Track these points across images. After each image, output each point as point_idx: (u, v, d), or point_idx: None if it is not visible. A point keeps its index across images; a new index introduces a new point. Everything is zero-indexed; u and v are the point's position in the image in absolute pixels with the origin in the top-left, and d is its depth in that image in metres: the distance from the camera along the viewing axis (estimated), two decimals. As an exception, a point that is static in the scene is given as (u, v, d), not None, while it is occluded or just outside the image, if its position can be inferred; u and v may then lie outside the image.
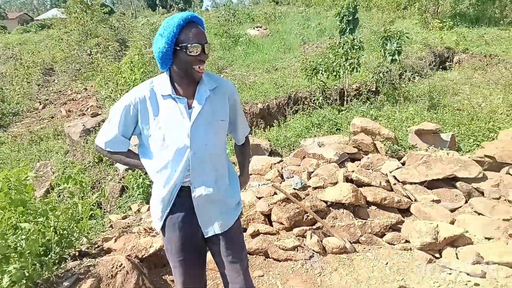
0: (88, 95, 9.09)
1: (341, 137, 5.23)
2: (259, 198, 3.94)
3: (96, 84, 7.97)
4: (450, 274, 3.10)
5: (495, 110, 5.61)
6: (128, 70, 6.43)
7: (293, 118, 6.53)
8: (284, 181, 4.27)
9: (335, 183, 4.03)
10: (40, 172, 6.00)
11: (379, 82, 6.78)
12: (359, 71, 6.55)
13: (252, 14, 14.61)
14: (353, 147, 4.86)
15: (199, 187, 1.77)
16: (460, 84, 6.91)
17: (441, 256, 3.35)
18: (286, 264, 3.34)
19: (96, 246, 3.37)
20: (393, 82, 6.84)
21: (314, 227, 3.69)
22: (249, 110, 6.97)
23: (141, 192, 4.21)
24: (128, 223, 3.94)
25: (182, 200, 1.80)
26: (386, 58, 6.61)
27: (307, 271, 3.25)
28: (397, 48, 6.38)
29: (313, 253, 3.45)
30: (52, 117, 8.57)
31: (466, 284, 2.99)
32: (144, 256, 3.08)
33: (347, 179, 4.14)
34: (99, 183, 5.03)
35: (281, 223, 3.67)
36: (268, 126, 6.62)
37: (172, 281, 3.00)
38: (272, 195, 3.90)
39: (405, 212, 3.94)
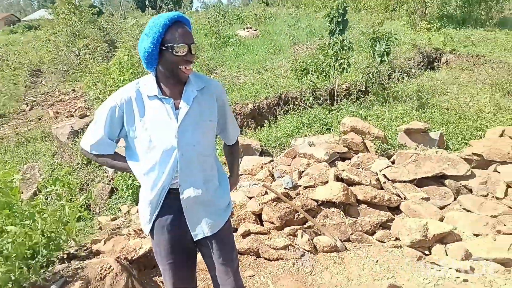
0: (76, 96, 8.97)
1: (332, 137, 5.25)
2: (250, 198, 3.93)
3: (84, 85, 7.88)
4: (439, 270, 3.13)
5: (482, 109, 5.69)
6: (117, 71, 6.37)
7: (283, 118, 6.53)
8: (275, 180, 4.27)
9: (326, 182, 4.04)
10: (27, 174, 5.90)
11: (369, 82, 6.83)
12: (349, 72, 6.59)
13: (242, 15, 14.60)
14: (343, 146, 4.88)
15: (187, 189, 1.74)
16: (448, 84, 7.00)
17: (430, 253, 3.38)
18: (277, 264, 3.33)
19: (85, 248, 3.32)
20: (383, 82, 6.90)
21: (305, 226, 3.69)
22: (240, 110, 6.96)
23: (131, 193, 4.16)
24: (117, 224, 3.89)
25: (171, 202, 1.77)
26: (375, 59, 6.66)
27: (298, 270, 3.24)
28: (386, 49, 6.43)
29: (304, 252, 3.45)
30: (40, 119, 8.44)
31: (455, 280, 3.02)
32: (133, 258, 3.04)
33: (338, 178, 4.15)
34: (88, 185, 4.97)
35: (272, 223, 3.66)
36: (258, 127, 6.62)
37: (162, 282, 2.97)
38: (263, 195, 3.89)
39: (395, 210, 3.97)
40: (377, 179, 4.18)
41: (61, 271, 2.71)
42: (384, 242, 3.61)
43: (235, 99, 7.07)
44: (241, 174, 4.61)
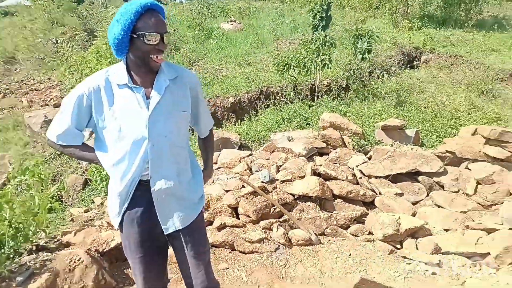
0: (52, 85, 8.71)
1: (311, 132, 5.27)
2: (227, 191, 3.91)
3: (60, 74, 7.65)
4: (409, 264, 3.20)
5: (458, 108, 5.83)
6: (94, 60, 6.21)
7: (264, 113, 6.52)
8: (253, 174, 4.27)
9: (303, 177, 4.06)
10: (-1, 164, 5.71)
11: (349, 79, 6.89)
12: (330, 68, 6.62)
13: (226, 8, 14.45)
14: (322, 141, 4.91)
15: (159, 181, 1.70)
16: (426, 82, 7.13)
17: (402, 247, 3.45)
18: (251, 257, 3.34)
19: (55, 240, 3.24)
20: (363, 79, 6.97)
21: (281, 219, 3.70)
22: (220, 103, 6.91)
23: (105, 185, 4.06)
24: (90, 216, 3.81)
25: (141, 194, 1.72)
26: (357, 56, 6.72)
27: (272, 263, 3.26)
28: (368, 47, 6.50)
29: (279, 245, 3.47)
30: (12, 108, 8.16)
31: (424, 274, 3.10)
32: (105, 250, 2.99)
33: (315, 173, 4.18)
34: (61, 176, 4.85)
35: (248, 216, 3.66)
36: (239, 120, 6.59)
37: (134, 274, 2.94)
38: (240, 188, 3.88)
39: (370, 205, 4.04)
40: (354, 175, 4.23)
41: (28, 263, 2.64)
42: (358, 236, 3.66)
43: (216, 92, 7.01)
44: (219, 168, 4.58)
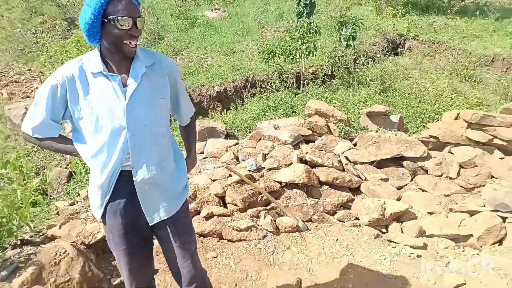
0: (33, 77, 8.47)
1: (297, 120, 5.28)
2: (214, 180, 3.91)
3: (40, 65, 7.44)
4: (395, 247, 3.27)
5: (441, 94, 5.90)
6: (75, 50, 6.05)
7: (250, 101, 6.49)
8: (239, 163, 4.26)
9: (290, 165, 4.07)
10: (-21, 158, 5.57)
11: (335, 66, 6.89)
12: (316, 55, 6.59)
13: (210, -4, 14.24)
14: (308, 129, 4.92)
15: (141, 171, 1.66)
16: (410, 69, 7.18)
17: (387, 231, 3.52)
18: (239, 245, 3.36)
19: (41, 234, 3.20)
20: (348, 66, 6.98)
21: (268, 207, 3.73)
22: (206, 93, 6.84)
23: (90, 177, 4.01)
24: (76, 209, 3.76)
25: (123, 185, 1.69)
26: (341, 42, 6.72)
27: (260, 251, 3.28)
28: (352, 34, 6.49)
29: (266, 233, 3.49)
30: (-8, 100, 7.93)
31: (409, 256, 3.16)
32: (91, 242, 2.97)
33: (301, 160, 4.20)
34: (44, 169, 4.76)
35: (236, 205, 3.67)
36: (225, 109, 6.55)
37: (122, 266, 2.92)
38: (227, 177, 3.88)
39: (356, 190, 4.09)
40: (339, 161, 4.26)
41: (12, 257, 2.60)
42: (344, 222, 3.71)
43: (201, 81, 6.93)
44: (206, 157, 4.56)
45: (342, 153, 4.39)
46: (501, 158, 4.09)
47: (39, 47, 9.48)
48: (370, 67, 7.22)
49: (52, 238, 3.02)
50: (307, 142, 4.84)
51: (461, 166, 4.15)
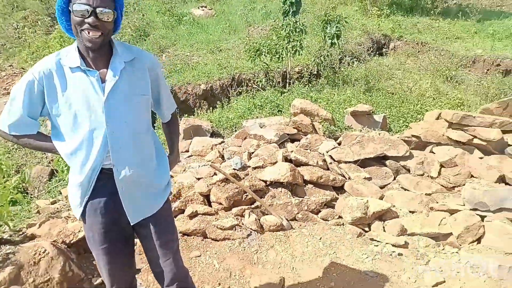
0: (14, 73, 8.28)
1: (282, 119, 5.30)
2: (199, 179, 3.90)
3: (21, 60, 7.27)
4: (377, 246, 3.31)
5: (424, 94, 6.00)
6: (58, 45, 5.93)
7: (236, 100, 6.48)
8: (224, 161, 4.25)
9: (275, 163, 4.09)
10: (-43, 156, 5.41)
11: (320, 65, 6.93)
12: (301, 54, 6.63)
13: (197, -7, 14.14)
14: (293, 128, 4.95)
15: (122, 169, 1.64)
16: (394, 69, 7.28)
17: (370, 230, 3.56)
18: (224, 244, 3.35)
19: (20, 233, 3.13)
20: (334, 66, 7.03)
21: (253, 206, 3.73)
22: (192, 91, 6.81)
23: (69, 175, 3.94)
24: (57, 208, 3.69)
25: (104, 183, 1.66)
26: (326, 41, 6.76)
27: (244, 249, 3.29)
28: (336, 32, 6.54)
29: (251, 232, 3.50)
30: (-28, 97, 7.73)
31: (391, 254, 3.21)
32: (72, 241, 2.92)
33: (286, 159, 4.22)
34: (25, 167, 4.66)
35: (220, 203, 3.67)
36: (211, 108, 6.53)
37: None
38: (212, 176, 3.87)
39: (340, 189, 4.13)
40: (324, 160, 4.30)
41: (-11, 257, 2.54)
42: (328, 220, 3.75)
43: (187, 79, 6.89)
44: (191, 156, 4.54)
45: (327, 152, 4.43)
46: (481, 158, 4.19)
47: (21, 42, 9.27)
48: (355, 67, 7.28)
49: (32, 237, 2.95)
50: (293, 141, 4.86)
51: (442, 166, 4.23)
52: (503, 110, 4.51)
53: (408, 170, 4.37)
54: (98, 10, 1.48)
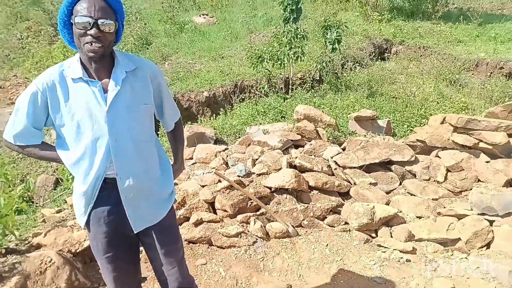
0: (19, 83, 8.34)
1: (286, 125, 5.29)
2: (203, 186, 3.88)
3: (25, 70, 7.32)
4: (384, 252, 3.28)
5: (427, 98, 5.98)
6: (61, 55, 5.97)
7: (239, 106, 6.49)
8: (229, 168, 4.24)
9: (279, 170, 4.07)
10: (-38, 166, 5.43)
11: (323, 71, 6.94)
12: (303, 60, 6.64)
13: (198, 1, 14.23)
14: (297, 134, 4.93)
15: (126, 178, 1.64)
16: (397, 73, 7.27)
17: (377, 236, 3.53)
18: (229, 251, 3.33)
19: (26, 242, 3.12)
20: (336, 71, 7.04)
21: (258, 213, 3.71)
22: (195, 98, 6.82)
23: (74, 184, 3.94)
24: (63, 217, 3.69)
25: (108, 192, 1.67)
26: (327, 47, 6.78)
27: (250, 257, 3.26)
28: (337, 37, 6.56)
29: (256, 239, 3.47)
30: (-24, 107, 7.78)
31: (398, 261, 3.17)
32: (77, 251, 2.91)
33: (291, 165, 4.20)
34: (30, 176, 4.67)
35: (225, 211, 3.65)
36: (214, 115, 6.53)
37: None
38: (216, 183, 3.86)
39: (345, 195, 4.10)
40: (329, 166, 4.28)
41: (-4, 267, 2.53)
42: (334, 227, 3.72)
43: (190, 86, 6.90)
44: (195, 163, 4.53)
45: (331, 158, 4.41)
46: (487, 162, 4.16)
47: (24, 52, 9.35)
48: (358, 72, 7.29)
49: (38, 246, 2.95)
50: (296, 147, 4.85)
51: (448, 170, 4.20)
52: (508, 114, 4.49)
53: (414, 175, 4.34)
54: (99, 21, 1.50)
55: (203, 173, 4.17)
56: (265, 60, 6.54)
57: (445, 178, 4.14)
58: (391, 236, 3.46)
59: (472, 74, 7.05)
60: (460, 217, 3.44)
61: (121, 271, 1.82)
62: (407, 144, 4.56)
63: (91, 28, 1.49)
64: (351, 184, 4.14)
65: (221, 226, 3.52)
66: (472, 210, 3.45)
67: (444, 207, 3.69)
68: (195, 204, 3.69)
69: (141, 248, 2.03)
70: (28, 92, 1.58)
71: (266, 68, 6.76)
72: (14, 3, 11.85)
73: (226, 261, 3.20)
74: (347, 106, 5.82)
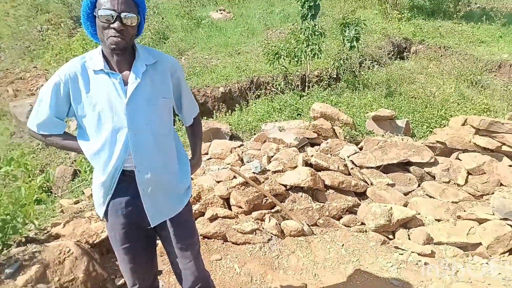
0: (38, 74, 8.48)
1: (302, 122, 5.24)
2: (218, 182, 3.88)
3: (45, 62, 7.42)
4: (402, 254, 3.22)
5: (447, 99, 5.86)
6: (80, 48, 6.03)
7: (255, 103, 6.46)
8: (244, 165, 4.23)
9: (295, 167, 4.04)
10: (-17, 155, 5.55)
11: (340, 69, 6.86)
12: (320, 58, 6.57)
13: (216, -4, 14.22)
14: (313, 132, 4.89)
15: (144, 171, 1.65)
16: (416, 73, 7.14)
17: (394, 237, 3.48)
18: (244, 248, 3.32)
19: (45, 232, 3.17)
20: (354, 70, 6.95)
21: (273, 210, 3.69)
22: (211, 93, 6.82)
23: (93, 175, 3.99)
24: (80, 208, 3.73)
25: (126, 184, 1.68)
26: (345, 44, 6.69)
27: (265, 254, 3.25)
28: (356, 35, 6.46)
29: (271, 236, 3.45)
30: (-3, 97, 7.94)
31: (416, 264, 3.12)
32: (95, 242, 2.94)
33: (307, 164, 4.16)
34: (49, 167, 4.74)
35: (240, 207, 3.64)
36: (229, 110, 6.52)
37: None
38: (231, 179, 3.85)
39: (362, 195, 4.05)
40: (345, 165, 4.23)
41: (17, 255, 2.58)
42: (350, 227, 3.67)
43: (206, 82, 6.91)
44: (210, 158, 4.53)
45: (348, 157, 4.35)
46: (510, 166, 4.05)
47: (44, 44, 9.49)
48: (376, 71, 7.18)
49: (57, 236, 2.99)
50: (312, 145, 4.80)
51: (469, 173, 4.10)
52: (533, 117, 4.36)
53: (433, 177, 4.26)
54: (122, 15, 1.52)
55: (218, 168, 4.16)
56: (282, 56, 6.49)
57: (466, 181, 4.04)
58: (409, 238, 3.40)
59: (495, 75, 6.88)
60: (481, 221, 3.36)
61: (137, 262, 1.84)
62: (426, 145, 4.47)
63: (114, 22, 1.51)
64: (368, 184, 4.08)
65: (236, 222, 3.51)
66: (493, 214, 3.36)
67: (465, 211, 3.61)
68: (210, 200, 3.69)
69: (158, 242, 2.04)
70: (51, 83, 1.60)
71: (282, 64, 6.71)
72: (35, -5, 12.04)
73: (241, 258, 3.19)
74: (364, 105, 5.74)
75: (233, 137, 5.33)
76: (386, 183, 4.08)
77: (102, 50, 1.62)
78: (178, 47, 8.68)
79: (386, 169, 4.31)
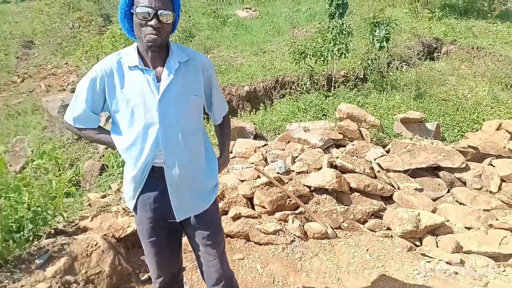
0: (69, 70, 8.76)
1: (327, 123, 5.17)
2: (242, 181, 3.87)
3: (76, 59, 7.64)
4: (429, 262, 3.13)
5: (480, 102, 5.65)
6: (110, 45, 6.18)
7: (279, 102, 6.44)
8: (268, 165, 4.21)
9: (319, 169, 3.99)
10: (17, 147, 5.78)
11: (367, 69, 6.74)
12: (347, 57, 6.48)
13: (242, -5, 14.25)
14: (339, 133, 4.81)
15: (172, 167, 1.68)
16: (447, 75, 6.93)
17: (421, 244, 3.38)
18: (266, 248, 3.31)
19: (73, 224, 3.26)
20: (381, 70, 6.81)
21: (296, 211, 3.65)
22: (236, 92, 6.84)
23: (121, 171, 4.09)
24: (107, 202, 3.82)
25: (155, 180, 1.71)
26: (374, 44, 6.55)
27: (287, 256, 3.22)
28: (386, 35, 6.32)
29: (294, 238, 3.42)
30: (31, 92, 8.24)
31: (445, 273, 3.02)
32: (121, 236, 3.00)
33: (331, 165, 4.10)
34: (78, 161, 4.88)
35: (263, 207, 3.62)
36: (254, 109, 6.52)
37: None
38: (255, 179, 3.84)
39: (388, 199, 3.95)
40: (371, 168, 4.13)
41: (46, 246, 2.66)
42: (375, 231, 3.59)
43: (231, 80, 6.93)
44: (234, 157, 4.54)
45: (374, 160, 4.25)
46: (547, 173, 3.86)
47: (76, 41, 9.79)
48: (404, 72, 7.01)
49: (84, 229, 3.07)
50: (338, 146, 4.73)
51: (502, 180, 3.93)
52: None
53: (464, 183, 4.10)
54: (159, 12, 1.54)
55: (242, 167, 4.16)
56: (308, 56, 6.43)
57: (499, 189, 3.87)
58: (437, 246, 3.29)
59: (531, 78, 6.57)
60: (514, 231, 3.22)
61: (162, 256, 1.88)
62: (457, 150, 4.31)
63: (151, 19, 1.54)
64: (395, 189, 3.98)
65: (259, 222, 3.50)
66: (528, 224, 3.21)
67: (497, 219, 3.46)
68: (233, 198, 3.69)
69: (184, 239, 2.05)
70: (88, 78, 1.65)
71: (308, 64, 6.65)
72: (67, -6, 12.41)
73: (263, 258, 3.18)
74: (392, 106, 5.61)
75: (257, 137, 5.32)
76: (414, 188, 3.96)
77: (137, 47, 1.66)
78: (204, 45, 8.75)
79: (414, 173, 4.19)
